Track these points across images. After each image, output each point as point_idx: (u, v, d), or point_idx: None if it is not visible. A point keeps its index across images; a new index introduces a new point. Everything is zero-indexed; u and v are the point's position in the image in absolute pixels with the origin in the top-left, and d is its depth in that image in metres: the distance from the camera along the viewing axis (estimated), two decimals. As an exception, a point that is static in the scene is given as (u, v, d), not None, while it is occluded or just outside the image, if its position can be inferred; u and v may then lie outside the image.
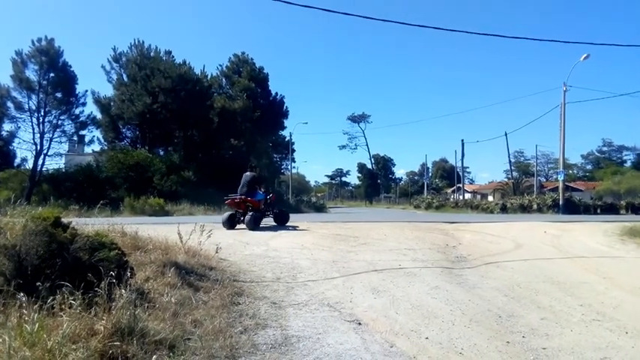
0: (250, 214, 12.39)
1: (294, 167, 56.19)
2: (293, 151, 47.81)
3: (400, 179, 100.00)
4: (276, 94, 41.47)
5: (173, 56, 34.99)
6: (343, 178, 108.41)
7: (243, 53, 40.31)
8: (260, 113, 35.99)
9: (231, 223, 12.41)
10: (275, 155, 46.42)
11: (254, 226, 12.12)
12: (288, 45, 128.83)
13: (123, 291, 3.55)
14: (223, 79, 40.00)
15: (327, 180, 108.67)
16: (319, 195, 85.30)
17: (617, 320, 4.68)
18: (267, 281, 6.03)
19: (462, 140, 49.00)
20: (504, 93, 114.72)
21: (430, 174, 79.53)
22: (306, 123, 51.92)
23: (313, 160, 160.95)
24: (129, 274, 3.99)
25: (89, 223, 6.56)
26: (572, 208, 28.68)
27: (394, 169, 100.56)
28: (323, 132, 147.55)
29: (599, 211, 29.82)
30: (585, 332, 4.29)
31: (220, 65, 40.38)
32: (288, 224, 13.67)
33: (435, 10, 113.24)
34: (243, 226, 12.16)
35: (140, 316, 3.44)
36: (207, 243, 6.91)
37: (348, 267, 7.17)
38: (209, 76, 38.14)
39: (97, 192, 22.84)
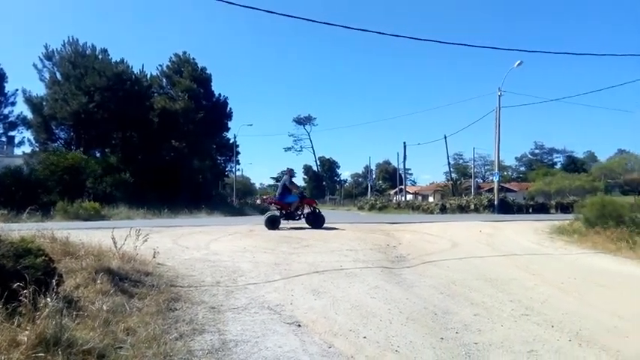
0: (267, 214, 13.95)
1: (238, 169, 55.76)
2: (237, 153, 47.28)
3: (345, 181, 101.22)
4: (220, 95, 40.91)
5: (109, 55, 33.76)
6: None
7: (184, 53, 39.46)
8: (203, 114, 35.30)
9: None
10: (219, 157, 45.65)
11: (270, 226, 13.02)
12: (232, 46, 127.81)
13: (49, 299, 3.36)
14: (164, 79, 38.94)
15: (272, 182, 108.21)
16: (265, 197, 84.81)
17: (544, 314, 4.93)
18: (206, 285, 5.91)
19: (404, 143, 50.40)
20: (445, 97, 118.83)
21: (374, 176, 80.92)
22: (251, 125, 52.06)
23: (258, 162, 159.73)
24: (55, 281, 3.79)
25: (16, 229, 6.24)
26: (506, 207, 30.09)
27: (339, 171, 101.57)
28: (268, 134, 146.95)
29: (531, 210, 31.47)
30: (514, 327, 4.48)
31: (160, 65, 39.33)
32: (325, 225, 13.82)
33: (380, 14, 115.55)
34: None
35: (67, 325, 3.27)
36: (143, 248, 6.70)
37: (289, 269, 7.16)
38: (149, 76, 37.06)
39: (27, 196, 21.63)
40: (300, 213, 14.01)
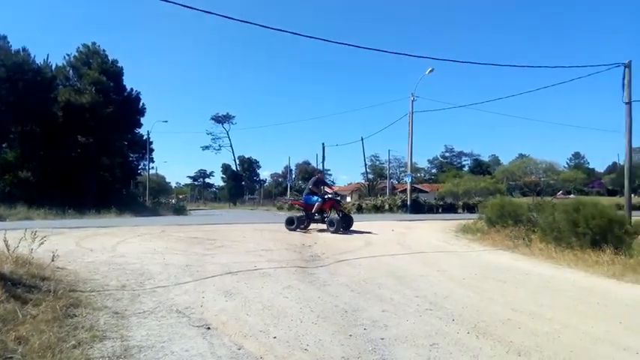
0: (288, 216, 14.19)
1: (152, 167, 53.54)
2: (151, 150, 45.48)
3: (265, 181, 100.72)
4: (132, 89, 38.93)
5: (9, 42, 31.09)
6: (207, 180, 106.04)
7: (94, 44, 37.04)
8: (113, 109, 33.42)
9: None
10: (131, 155, 43.48)
11: (287, 226, 13.38)
12: (148, 41, 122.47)
13: None
14: (70, 71, 36.36)
15: (189, 181, 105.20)
16: (180, 197, 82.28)
17: (447, 309, 5.19)
18: (110, 290, 5.60)
19: (323, 144, 51.05)
20: (363, 100, 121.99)
21: (293, 176, 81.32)
22: (166, 121, 50.15)
23: (175, 160, 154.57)
24: None
25: None
26: (418, 207, 31.52)
27: (259, 170, 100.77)
28: (185, 132, 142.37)
29: (440, 210, 33.24)
30: (419, 321, 4.68)
31: (68, 55, 36.64)
32: (352, 228, 13.55)
33: (304, 16, 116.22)
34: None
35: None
36: (42, 251, 6.25)
37: (202, 270, 6.98)
38: (54, 67, 34.50)
39: None
40: (324, 215, 13.53)
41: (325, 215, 13.48)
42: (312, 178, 14.48)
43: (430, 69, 29.11)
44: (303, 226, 13.48)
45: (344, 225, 13.18)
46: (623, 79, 16.03)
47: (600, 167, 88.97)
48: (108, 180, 35.59)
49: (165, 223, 16.17)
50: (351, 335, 4.16)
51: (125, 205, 29.51)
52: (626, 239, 9.17)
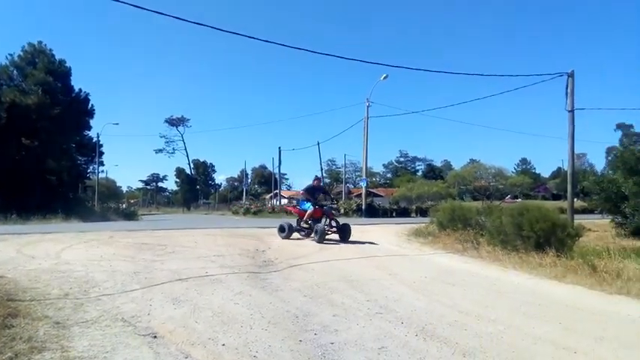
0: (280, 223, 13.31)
1: (102, 171, 51.87)
2: (101, 153, 43.89)
3: (220, 185, 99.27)
4: (80, 90, 37.55)
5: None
6: (160, 184, 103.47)
7: (40, 43, 35.51)
8: (60, 110, 32.10)
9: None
10: (80, 158, 41.85)
11: (279, 233, 12.91)
12: (99, 42, 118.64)
13: None
14: (14, 70, 34.73)
15: (141, 185, 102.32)
16: (132, 201, 79.99)
17: (397, 312, 5.27)
18: (51, 298, 5.37)
19: (279, 148, 50.87)
20: (320, 105, 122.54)
21: (249, 180, 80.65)
22: (117, 124, 48.43)
23: (126, 164, 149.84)
24: None
25: None
26: (373, 211, 31.97)
27: (214, 174, 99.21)
28: (137, 134, 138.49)
29: (395, 214, 33.87)
30: (369, 325, 4.73)
31: (11, 55, 34.95)
32: (351, 239, 12.59)
33: (258, 19, 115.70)
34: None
35: None
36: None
37: (150, 277, 6.80)
38: (-4, 67, 32.89)
39: None
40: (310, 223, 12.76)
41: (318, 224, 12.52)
42: (308, 184, 13.57)
43: (384, 75, 29.62)
44: (303, 233, 12.93)
45: (341, 235, 12.51)
46: (567, 87, 16.79)
47: (546, 172, 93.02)
48: (54, 184, 34.16)
49: (115, 228, 15.67)
50: (301, 341, 4.15)
51: (72, 210, 28.39)
52: (567, 242, 9.59)
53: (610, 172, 21.42)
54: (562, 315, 5.40)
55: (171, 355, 3.73)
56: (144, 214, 48.46)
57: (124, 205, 55.33)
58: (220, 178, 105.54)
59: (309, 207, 12.78)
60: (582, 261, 8.15)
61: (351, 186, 73.52)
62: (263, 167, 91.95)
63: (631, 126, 77.11)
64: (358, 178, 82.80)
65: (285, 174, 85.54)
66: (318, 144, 50.67)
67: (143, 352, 3.77)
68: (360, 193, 35.57)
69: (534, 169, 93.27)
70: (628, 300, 6.22)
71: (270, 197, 65.58)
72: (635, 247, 11.21)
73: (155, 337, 4.15)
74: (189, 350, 3.85)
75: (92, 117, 38.98)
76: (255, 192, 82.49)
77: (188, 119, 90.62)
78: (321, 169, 57.32)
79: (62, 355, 3.60)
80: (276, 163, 52.66)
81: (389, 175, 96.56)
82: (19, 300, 5.17)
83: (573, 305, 5.96)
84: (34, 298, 5.33)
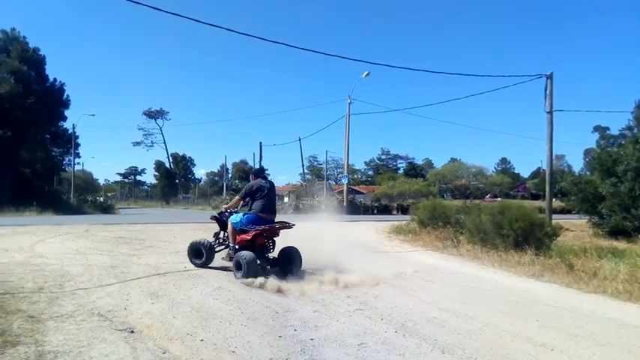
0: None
1: (78, 163, 50.76)
2: (77, 145, 42.96)
3: (200, 179, 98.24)
4: (55, 80, 36.53)
5: None
6: (138, 177, 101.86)
7: (13, 30, 34.52)
8: (34, 100, 31.30)
9: None
10: (55, 149, 40.86)
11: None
12: (76, 31, 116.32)
13: None
14: (-14, 58, 33.79)
15: (119, 178, 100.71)
16: (109, 195, 78.77)
17: (376, 309, 5.28)
18: (25, 292, 5.23)
19: (260, 143, 50.44)
20: (301, 100, 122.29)
21: (230, 175, 79.93)
22: (94, 115, 47.07)
23: (104, 156, 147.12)
24: None
25: None
26: (354, 208, 31.99)
27: (194, 169, 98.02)
28: (114, 126, 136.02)
29: (376, 211, 33.98)
30: (349, 321, 4.72)
31: (-17, 41, 34.01)
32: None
33: (241, 13, 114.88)
34: None
35: None
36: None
37: (127, 272, 6.68)
38: (-34, 54, 31.94)
39: None
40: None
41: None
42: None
43: (366, 72, 29.60)
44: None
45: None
46: (545, 89, 17.01)
47: (525, 172, 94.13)
48: (28, 176, 33.40)
49: (91, 222, 15.39)
50: (280, 336, 4.13)
51: (47, 203, 27.83)
52: (546, 241, 9.75)
53: (587, 173, 21.86)
54: (539, 312, 5.47)
55: (148, 350, 3.67)
56: (121, 208, 47.75)
57: (101, 199, 54.46)
58: (200, 172, 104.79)
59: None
60: (560, 260, 8.29)
61: (333, 182, 73.55)
62: (244, 162, 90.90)
63: (607, 128, 78.89)
64: (340, 175, 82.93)
65: (266, 169, 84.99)
66: (300, 140, 50.43)
67: (120, 347, 3.70)
68: (342, 190, 35.62)
69: (514, 168, 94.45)
70: (604, 298, 6.33)
71: (251, 193, 65.01)
72: (611, 247, 11.43)
73: (132, 332, 4.08)
74: (167, 345, 3.78)
75: (68, 107, 37.99)
76: (236, 187, 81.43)
77: (167, 112, 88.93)
78: (303, 165, 57.17)
79: (37, 350, 3.51)
80: (257, 159, 52.31)
81: (370, 173, 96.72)
82: (-9, 293, 5.03)
83: (550, 303, 6.04)
84: (7, 292, 5.19)
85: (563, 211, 28.61)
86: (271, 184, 7.57)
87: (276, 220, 7.51)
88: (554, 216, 17.24)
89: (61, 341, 3.74)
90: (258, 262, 6.74)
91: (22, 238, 9.93)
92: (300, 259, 7.41)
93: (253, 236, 6.98)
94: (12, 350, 3.47)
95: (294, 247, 7.52)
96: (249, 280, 6.27)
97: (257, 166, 10.92)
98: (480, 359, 3.83)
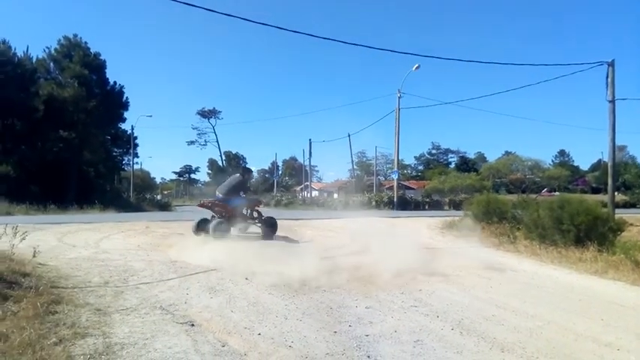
0: (216, 220, 9.91)
1: (137, 163, 52.96)
2: (136, 145, 44.84)
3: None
4: (115, 83, 38.04)
5: (-14, 34, 30.40)
6: (192, 175, 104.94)
7: (75, 36, 36.08)
8: (95, 103, 32.74)
9: (199, 229, 10.07)
10: (115, 150, 42.81)
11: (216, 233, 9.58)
12: (135, 34, 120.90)
13: None
14: (51, 64, 35.50)
15: (174, 177, 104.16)
16: (166, 192, 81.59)
17: (431, 305, 5.21)
18: (92, 286, 5.52)
19: (310, 140, 50.73)
20: (351, 96, 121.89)
21: (280, 172, 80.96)
22: (151, 116, 49.10)
23: (160, 155, 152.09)
24: None
25: None
26: (404, 204, 31.65)
27: (246, 166, 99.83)
28: (170, 126, 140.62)
29: (427, 207, 33.45)
30: (404, 318, 4.69)
31: (48, 48, 35.75)
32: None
33: (287, 12, 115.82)
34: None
35: None
36: (23, 246, 6.15)
37: (186, 267, 6.92)
38: (34, 59, 33.81)
39: None
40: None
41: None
42: (238, 175, 11.05)
43: (416, 65, 29.13)
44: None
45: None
46: (607, 77, 16.20)
47: (585, 165, 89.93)
48: (91, 175, 35.07)
49: (150, 218, 16.00)
50: (335, 332, 4.15)
51: (109, 201, 29.12)
52: (609, 236, 9.29)
53: (653, 164, 20.65)
54: (604, 311, 5.23)
55: (208, 343, 3.78)
56: (177, 205, 49.38)
57: (158, 196, 56.47)
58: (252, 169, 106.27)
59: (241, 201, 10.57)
60: (624, 256, 7.88)
61: (382, 178, 73.01)
62: (294, 159, 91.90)
63: (675, 116, 74.04)
64: (389, 171, 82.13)
65: (316, 166, 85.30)
66: (349, 136, 50.25)
67: (181, 339, 3.84)
68: (392, 186, 35.32)
69: (573, 161, 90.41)
70: (674, 297, 5.98)
71: (301, 189, 65.74)
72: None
73: (193, 325, 4.22)
74: (227, 339, 3.89)
75: (127, 109, 39.57)
76: (286, 184, 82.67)
77: (220, 111, 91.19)
78: (352, 161, 56.95)
79: (104, 341, 3.70)
80: (307, 155, 52.62)
81: (421, 168, 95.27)
82: (62, 287, 5.34)
83: (615, 301, 5.77)
84: (75, 286, 5.49)
85: (626, 205, 27.23)
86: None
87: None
88: (617, 210, 16.42)
89: (127, 333, 3.92)
90: None
91: (87, 234, 10.47)
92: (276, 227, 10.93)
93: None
94: (81, 341, 3.66)
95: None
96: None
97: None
98: (543, 359, 3.71)
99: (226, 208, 10.20)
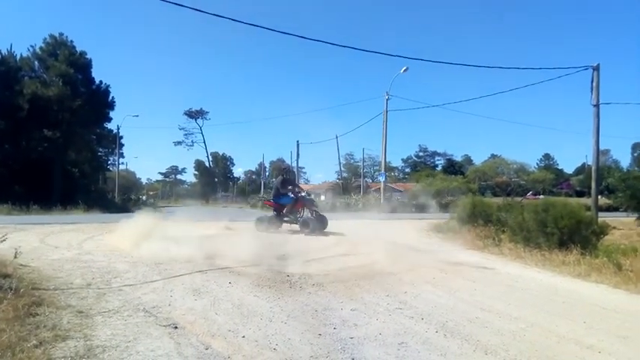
0: (267, 216, 13.27)
1: (122, 163, 52.50)
2: (121, 145, 44.42)
3: (239, 178, 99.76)
4: (101, 82, 37.66)
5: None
6: (179, 176, 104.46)
7: (61, 34, 35.68)
8: (81, 102, 32.40)
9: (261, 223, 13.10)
10: (100, 149, 42.48)
11: (257, 226, 13.01)
12: (119, 32, 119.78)
13: None
14: (36, 62, 35.04)
15: (160, 177, 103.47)
16: (152, 193, 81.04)
17: (416, 308, 5.21)
18: (74, 288, 5.45)
19: (297, 141, 50.73)
20: (339, 98, 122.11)
21: (267, 173, 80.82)
22: (137, 116, 48.42)
23: (146, 156, 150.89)
24: None
25: None
26: (391, 206, 31.78)
27: (233, 167, 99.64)
28: (157, 127, 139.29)
29: (413, 209, 33.60)
30: (389, 320, 4.69)
31: (32, 46, 35.29)
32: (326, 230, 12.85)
33: (280, 12, 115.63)
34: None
35: None
36: (4, 247, 6.06)
37: (171, 269, 6.86)
38: (18, 57, 33.37)
39: None
40: (297, 216, 13.29)
41: (299, 216, 13.19)
42: (279, 177, 13.96)
43: (404, 68, 29.30)
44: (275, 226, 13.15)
45: (319, 226, 12.78)
46: (592, 81, 16.42)
47: (569, 168, 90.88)
48: (75, 175, 34.72)
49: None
50: (320, 334, 4.14)
51: (93, 202, 28.83)
52: (592, 240, 9.38)
53: (636, 168, 20.97)
54: (586, 314, 5.28)
55: (192, 345, 3.75)
56: (163, 206, 48.99)
57: (143, 197, 56.06)
58: (239, 171, 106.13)
59: (288, 200, 13.23)
60: (607, 259, 7.97)
61: (370, 180, 73.19)
62: (281, 160, 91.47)
63: (657, 121, 75.40)
64: (377, 173, 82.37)
65: (303, 167, 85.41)
66: (337, 137, 50.36)
67: (164, 342, 3.80)
68: (379, 188, 35.42)
69: (557, 164, 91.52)
70: (655, 300, 6.06)
71: (288, 190, 65.42)
72: (661, 246, 10.91)
73: (176, 327, 4.18)
74: (210, 341, 3.86)
75: (112, 109, 39.10)
76: (272, 185, 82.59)
77: (207, 112, 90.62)
78: (339, 163, 57.11)
79: (85, 344, 3.64)
80: (295, 157, 52.59)
81: (408, 170, 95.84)
82: (44, 289, 5.27)
83: (598, 304, 5.83)
84: (57, 287, 5.42)
85: (609, 209, 27.55)
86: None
87: None
88: (600, 214, 16.63)
89: (109, 336, 3.87)
90: None
91: (70, 235, 10.36)
92: (327, 222, 13.24)
93: (301, 204, 13.12)
94: (62, 344, 3.61)
95: (324, 215, 13.58)
96: (313, 231, 12.23)
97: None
98: (525, 361, 3.73)
99: (275, 205, 13.29)
